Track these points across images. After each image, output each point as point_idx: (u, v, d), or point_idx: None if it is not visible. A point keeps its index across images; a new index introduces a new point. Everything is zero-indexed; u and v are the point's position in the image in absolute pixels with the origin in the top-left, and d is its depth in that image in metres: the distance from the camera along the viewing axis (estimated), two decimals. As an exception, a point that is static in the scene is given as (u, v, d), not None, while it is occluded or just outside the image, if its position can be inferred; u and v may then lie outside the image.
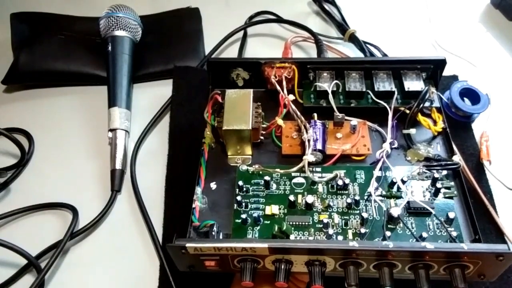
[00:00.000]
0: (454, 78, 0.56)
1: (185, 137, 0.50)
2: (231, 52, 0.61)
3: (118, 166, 0.47)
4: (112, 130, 0.49)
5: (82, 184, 0.47)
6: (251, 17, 0.65)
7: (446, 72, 0.57)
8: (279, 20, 0.62)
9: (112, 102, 0.51)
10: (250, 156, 0.42)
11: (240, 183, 0.38)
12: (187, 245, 0.32)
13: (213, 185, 0.40)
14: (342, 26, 0.62)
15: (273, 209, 0.37)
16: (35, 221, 0.44)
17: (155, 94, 0.55)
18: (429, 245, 0.30)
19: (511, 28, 0.65)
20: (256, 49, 0.61)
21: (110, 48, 0.54)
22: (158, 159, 0.49)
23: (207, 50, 0.60)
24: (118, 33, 0.54)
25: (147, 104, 0.54)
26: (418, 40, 0.63)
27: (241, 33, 0.62)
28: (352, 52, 0.62)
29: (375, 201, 0.37)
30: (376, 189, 0.37)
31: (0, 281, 0.40)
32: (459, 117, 0.51)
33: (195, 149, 0.48)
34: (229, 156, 0.42)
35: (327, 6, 0.66)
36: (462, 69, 0.58)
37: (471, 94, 0.52)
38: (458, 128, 0.50)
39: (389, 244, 0.31)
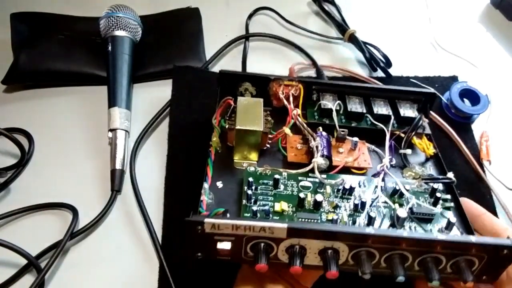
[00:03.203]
0: (454, 78, 0.56)
1: (184, 137, 0.50)
2: (232, 54, 0.61)
3: (118, 166, 0.47)
4: (112, 130, 0.49)
5: (82, 184, 0.47)
6: (250, 15, 0.65)
7: (446, 72, 0.58)
8: (281, 39, 0.63)
9: (112, 102, 0.51)
10: (256, 162, 0.42)
11: (250, 179, 0.38)
12: (206, 220, 0.31)
13: (219, 184, 0.40)
14: (342, 27, 0.62)
15: (283, 205, 0.37)
16: (35, 221, 0.44)
17: (155, 94, 0.55)
18: (441, 235, 0.32)
19: (511, 28, 0.65)
20: (258, 52, 0.62)
21: (110, 48, 0.54)
22: (158, 159, 0.49)
23: (207, 50, 0.60)
24: (118, 33, 0.54)
25: (147, 104, 0.54)
26: (418, 40, 0.64)
27: (242, 33, 0.63)
28: (351, 52, 0.62)
29: (379, 206, 0.38)
30: (380, 197, 0.38)
31: (0, 281, 0.40)
32: (459, 118, 0.51)
33: (195, 149, 0.48)
34: (235, 160, 0.42)
35: (326, 6, 0.66)
36: (462, 69, 0.58)
37: (471, 95, 0.52)
38: (458, 129, 0.50)
39: (403, 232, 0.32)
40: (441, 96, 0.52)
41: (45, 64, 0.55)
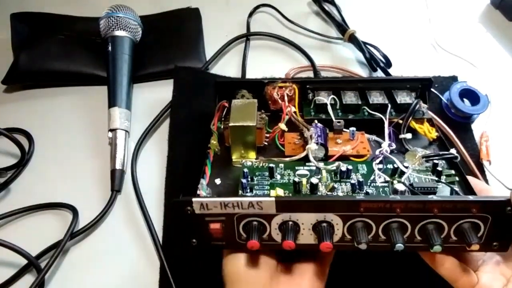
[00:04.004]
0: (454, 78, 0.56)
1: (185, 138, 0.50)
2: (232, 54, 0.61)
3: (118, 166, 0.47)
4: (112, 130, 0.49)
5: (82, 184, 0.47)
6: (251, 13, 0.66)
7: (446, 72, 0.58)
8: (281, 38, 0.63)
9: (112, 102, 0.51)
10: (253, 160, 0.42)
11: (246, 170, 0.38)
12: (194, 199, 0.31)
13: (217, 181, 0.40)
14: (342, 27, 0.62)
15: (278, 191, 0.37)
16: (35, 221, 0.44)
17: (155, 94, 0.55)
18: (436, 197, 0.31)
19: (511, 28, 0.65)
20: (258, 51, 0.62)
21: (110, 48, 0.54)
22: (158, 159, 0.49)
23: (207, 50, 0.60)
24: (118, 33, 0.54)
25: (147, 104, 0.54)
26: (418, 40, 0.63)
27: (243, 30, 0.63)
28: (351, 52, 0.62)
29: (378, 186, 0.37)
30: (379, 177, 0.38)
31: (0, 281, 0.40)
32: (459, 118, 0.51)
33: (195, 149, 0.48)
34: (233, 160, 0.42)
35: (326, 7, 0.66)
36: (461, 69, 0.58)
37: (471, 95, 0.52)
38: (458, 129, 0.50)
39: (396, 196, 0.31)
40: (441, 96, 0.52)
41: (45, 64, 0.55)
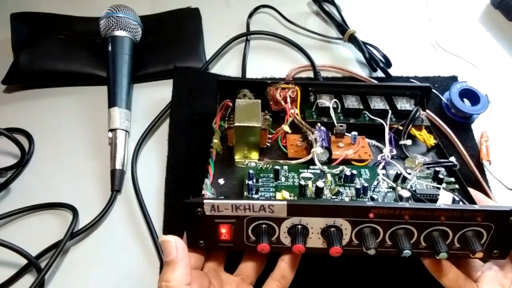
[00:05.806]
0: (454, 78, 0.56)
1: (185, 138, 0.50)
2: (232, 54, 0.61)
3: (118, 166, 0.47)
4: (112, 130, 0.49)
5: (82, 184, 0.47)
6: (251, 14, 0.66)
7: (446, 72, 0.58)
8: (281, 37, 0.63)
9: (112, 102, 0.51)
10: (257, 161, 0.42)
11: (251, 171, 0.38)
12: (205, 201, 0.31)
13: (221, 181, 0.40)
14: (341, 27, 0.62)
15: (284, 194, 0.37)
16: (35, 221, 0.44)
17: (155, 94, 0.55)
18: (443, 205, 0.32)
19: (511, 28, 0.65)
20: (258, 51, 0.62)
21: (110, 48, 0.54)
22: (159, 159, 0.49)
23: (207, 50, 0.60)
24: (118, 33, 0.54)
25: (147, 104, 0.54)
26: (418, 40, 0.64)
27: (243, 31, 0.63)
28: (351, 52, 0.62)
29: (382, 191, 0.38)
30: (383, 182, 0.38)
31: (0, 281, 0.40)
32: (459, 118, 0.51)
33: (195, 149, 0.48)
34: (236, 160, 0.42)
35: (326, 7, 0.66)
36: (461, 69, 0.58)
37: (471, 95, 0.52)
38: (458, 129, 0.50)
39: (405, 204, 0.32)
40: (441, 96, 0.52)
41: (45, 64, 0.55)
